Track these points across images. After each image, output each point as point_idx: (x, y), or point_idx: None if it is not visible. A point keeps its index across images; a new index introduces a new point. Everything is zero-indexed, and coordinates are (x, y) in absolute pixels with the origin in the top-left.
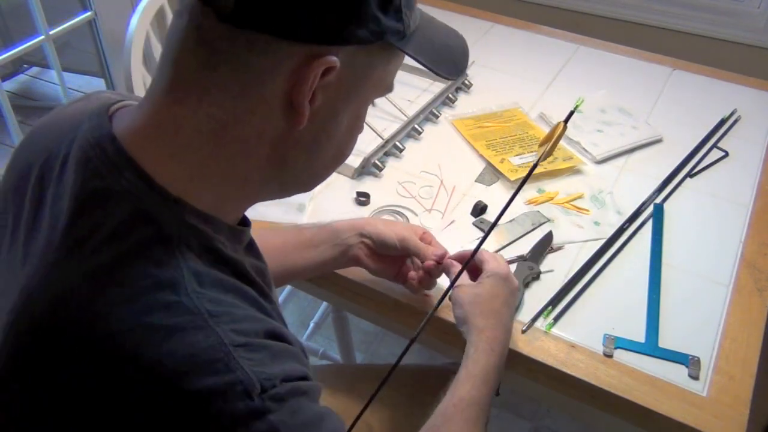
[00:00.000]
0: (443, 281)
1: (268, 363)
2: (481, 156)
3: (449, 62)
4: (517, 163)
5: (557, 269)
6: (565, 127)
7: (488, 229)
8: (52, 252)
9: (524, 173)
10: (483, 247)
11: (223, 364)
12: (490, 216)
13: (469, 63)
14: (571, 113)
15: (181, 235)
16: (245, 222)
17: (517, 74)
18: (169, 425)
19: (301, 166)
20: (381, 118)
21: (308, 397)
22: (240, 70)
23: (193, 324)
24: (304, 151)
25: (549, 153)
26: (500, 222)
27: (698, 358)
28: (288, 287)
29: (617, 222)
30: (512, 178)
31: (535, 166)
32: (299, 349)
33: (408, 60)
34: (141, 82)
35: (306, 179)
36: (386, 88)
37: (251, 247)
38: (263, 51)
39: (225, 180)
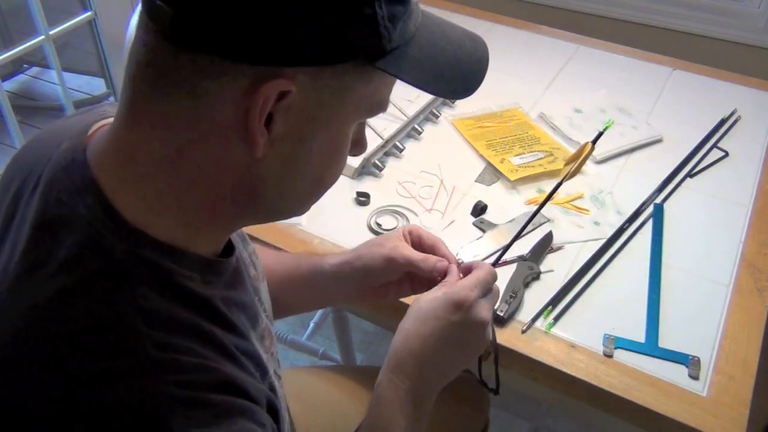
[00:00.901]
0: None
1: (210, 422)
2: (481, 156)
3: (452, 79)
4: (517, 163)
5: (557, 269)
6: (592, 148)
7: (502, 251)
8: (6, 282)
9: (524, 173)
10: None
11: (153, 421)
12: (490, 216)
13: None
14: (600, 134)
15: (135, 269)
16: (230, 252)
17: (517, 74)
18: None
19: (273, 197)
20: (381, 118)
21: None
22: (187, 94)
23: (131, 372)
24: (274, 182)
25: (575, 172)
26: (500, 222)
27: (698, 358)
28: None
29: (617, 222)
30: (512, 178)
31: (559, 184)
32: (259, 401)
33: None
34: None
35: (284, 209)
36: (374, 108)
37: (234, 278)
38: (209, 74)
39: (189, 211)
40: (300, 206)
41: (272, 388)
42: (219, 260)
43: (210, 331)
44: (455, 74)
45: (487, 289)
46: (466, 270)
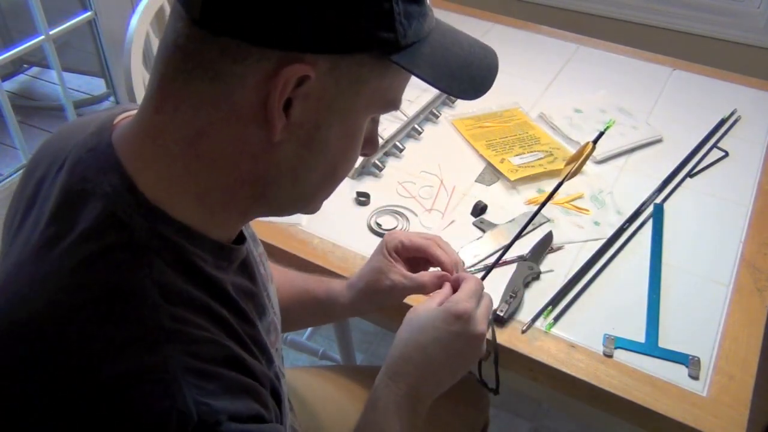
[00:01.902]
0: None
1: (218, 395)
2: (481, 156)
3: (462, 80)
4: (517, 163)
5: (557, 269)
6: (593, 148)
7: (503, 251)
8: (27, 252)
9: (524, 173)
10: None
11: (162, 387)
12: (490, 216)
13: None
14: (601, 134)
15: (153, 244)
16: (242, 240)
17: (517, 74)
18: None
19: (287, 185)
20: (381, 118)
21: None
22: (213, 76)
23: (144, 339)
24: (288, 168)
25: (576, 172)
26: (500, 222)
27: (698, 358)
28: None
29: (617, 222)
30: (512, 178)
31: (560, 184)
32: (264, 384)
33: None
34: (141, 82)
35: (296, 199)
36: (388, 104)
37: (245, 267)
38: (234, 57)
39: (206, 193)
40: (311, 198)
41: (277, 378)
42: (231, 246)
43: (220, 312)
44: (464, 76)
45: (480, 298)
46: (454, 283)
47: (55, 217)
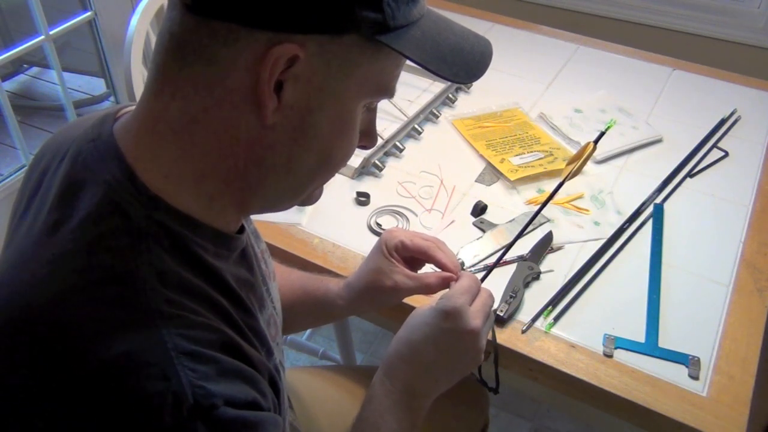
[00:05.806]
0: None
1: (213, 378)
2: (481, 156)
3: (453, 63)
4: (517, 163)
5: (557, 269)
6: (594, 148)
7: (504, 251)
8: (29, 239)
9: (524, 173)
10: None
11: (159, 369)
12: (490, 216)
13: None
14: (602, 134)
15: (151, 231)
16: (241, 231)
17: (517, 74)
18: (96, 422)
19: (282, 172)
20: (381, 118)
21: None
22: (206, 61)
23: (141, 322)
24: (282, 154)
25: (576, 172)
26: (500, 222)
27: (698, 358)
28: None
29: (617, 222)
30: (512, 178)
31: (561, 184)
32: (261, 373)
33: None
34: (141, 82)
35: (292, 188)
36: (380, 90)
37: (244, 258)
38: (225, 40)
39: (202, 181)
40: (307, 186)
41: (277, 371)
42: (231, 235)
43: (218, 300)
44: (457, 60)
45: (474, 294)
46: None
47: (57, 204)
